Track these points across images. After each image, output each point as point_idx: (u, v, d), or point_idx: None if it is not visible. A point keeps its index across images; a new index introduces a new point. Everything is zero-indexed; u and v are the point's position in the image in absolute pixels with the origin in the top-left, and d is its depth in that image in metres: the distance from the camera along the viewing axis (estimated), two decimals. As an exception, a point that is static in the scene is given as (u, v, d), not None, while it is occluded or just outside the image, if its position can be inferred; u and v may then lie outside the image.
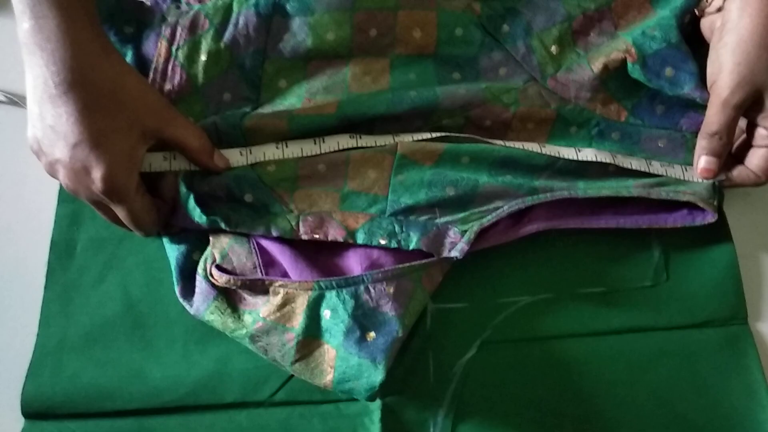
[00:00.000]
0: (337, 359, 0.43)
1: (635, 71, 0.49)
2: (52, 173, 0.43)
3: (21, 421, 0.46)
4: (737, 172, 0.49)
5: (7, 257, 0.51)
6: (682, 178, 0.50)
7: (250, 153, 0.48)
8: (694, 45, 0.50)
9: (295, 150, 0.48)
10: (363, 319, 0.43)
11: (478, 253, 0.48)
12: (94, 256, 0.51)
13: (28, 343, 0.48)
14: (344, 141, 0.49)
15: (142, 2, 0.51)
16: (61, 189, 0.52)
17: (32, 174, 0.52)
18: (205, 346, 0.48)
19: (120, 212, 0.45)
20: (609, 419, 0.47)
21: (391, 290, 0.44)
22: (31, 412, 0.46)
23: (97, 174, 0.42)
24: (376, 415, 0.46)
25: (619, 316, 0.49)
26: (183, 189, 0.46)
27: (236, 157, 0.48)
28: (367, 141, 0.49)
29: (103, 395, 0.46)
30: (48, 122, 0.42)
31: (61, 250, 0.51)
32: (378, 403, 0.46)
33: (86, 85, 0.42)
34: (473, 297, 0.49)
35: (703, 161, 0.49)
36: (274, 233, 0.46)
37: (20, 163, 0.53)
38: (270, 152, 0.48)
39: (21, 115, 0.54)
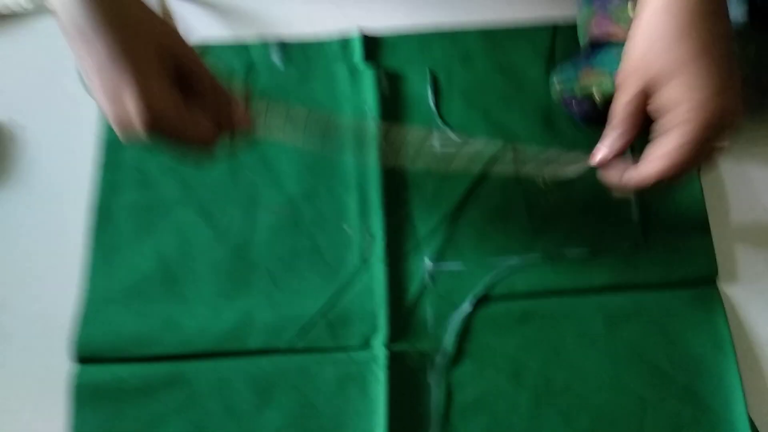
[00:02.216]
0: None
1: None
2: (102, 110, 0.41)
3: (70, 365, 0.52)
4: (637, 171, 0.45)
5: (52, 224, 0.57)
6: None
7: None
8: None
9: None
10: None
11: (473, 217, 0.54)
12: (130, 220, 0.56)
13: (72, 298, 0.54)
14: None
15: None
16: (100, 158, 0.58)
17: (73, 146, 0.59)
18: (232, 300, 0.54)
19: (171, 131, 0.41)
20: (588, 367, 0.52)
21: None
22: (82, 357, 0.52)
23: (129, 92, 0.40)
24: (383, 361, 0.51)
25: (599, 276, 0.54)
26: None
27: None
28: None
29: (143, 342, 0.52)
30: (87, 65, 0.40)
31: (101, 214, 0.56)
32: (384, 350, 0.52)
33: (109, 10, 0.39)
34: (467, 257, 0.55)
35: (597, 152, 0.47)
36: None
37: (62, 135, 0.59)
38: None
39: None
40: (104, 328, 0.53)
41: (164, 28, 0.42)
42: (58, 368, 0.52)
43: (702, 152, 0.42)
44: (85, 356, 0.52)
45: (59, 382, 0.52)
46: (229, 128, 0.45)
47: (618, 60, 0.54)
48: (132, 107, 0.40)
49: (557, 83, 0.58)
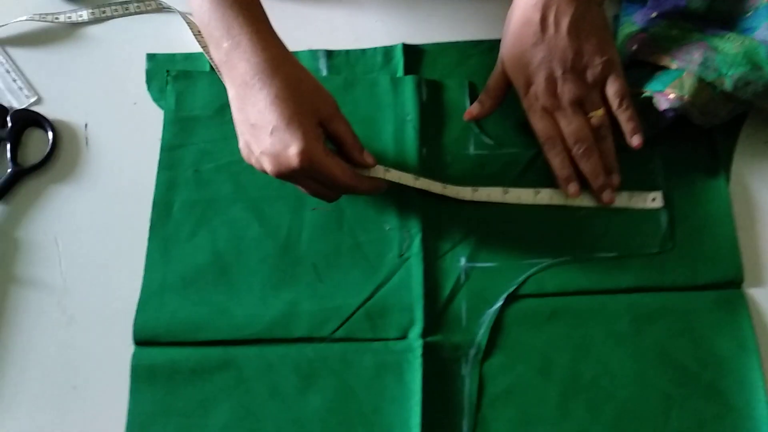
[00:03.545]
0: None
1: None
2: (261, 167, 0.51)
3: (132, 348, 0.56)
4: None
5: (117, 217, 0.61)
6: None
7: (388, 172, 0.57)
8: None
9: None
10: None
11: (508, 220, 0.58)
12: (187, 215, 0.60)
13: (136, 285, 0.58)
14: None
15: None
16: (161, 158, 0.62)
17: (138, 147, 0.63)
18: (279, 291, 0.57)
19: (322, 178, 0.51)
20: (615, 364, 0.54)
21: None
22: (141, 340, 0.56)
23: (294, 150, 0.49)
24: (418, 352, 0.54)
25: (627, 277, 0.56)
26: None
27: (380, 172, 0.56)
28: None
29: (196, 328, 0.56)
30: (251, 121, 0.50)
31: (161, 209, 0.61)
32: (420, 342, 0.55)
33: (275, 78, 0.50)
34: (502, 258, 0.58)
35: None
36: None
37: (129, 137, 0.64)
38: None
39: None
40: (161, 314, 0.57)
41: (324, 98, 0.52)
42: (120, 350, 0.56)
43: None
44: (143, 339, 0.56)
45: (121, 363, 0.56)
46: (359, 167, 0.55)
47: (660, 79, 0.57)
48: (295, 159, 0.49)
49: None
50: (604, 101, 0.56)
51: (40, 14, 0.68)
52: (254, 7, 0.52)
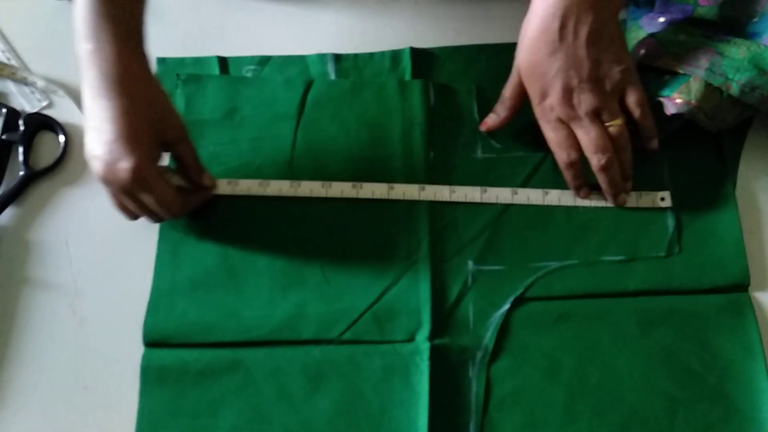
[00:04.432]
0: None
1: None
2: (92, 168, 0.53)
3: (142, 348, 0.57)
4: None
5: (128, 222, 0.61)
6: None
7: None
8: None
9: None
10: None
11: (515, 224, 0.58)
12: (196, 219, 0.61)
13: (146, 287, 0.59)
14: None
15: None
16: (171, 161, 0.63)
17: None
18: (287, 293, 0.58)
19: (146, 198, 0.54)
20: (622, 367, 0.55)
21: None
22: (150, 341, 0.57)
23: (126, 165, 0.51)
24: (426, 354, 0.55)
25: (634, 281, 0.57)
26: None
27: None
28: None
29: (205, 329, 0.57)
30: (93, 123, 0.51)
31: (170, 212, 0.62)
32: (427, 344, 0.55)
33: (127, 93, 0.52)
34: (509, 261, 0.58)
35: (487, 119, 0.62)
36: None
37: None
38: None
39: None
40: (170, 316, 0.58)
41: (173, 123, 0.55)
42: (130, 351, 0.57)
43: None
44: (153, 341, 0.57)
45: (131, 364, 0.56)
46: (197, 190, 0.59)
47: (669, 84, 0.57)
48: (124, 174, 0.52)
49: None
50: (623, 110, 0.56)
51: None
52: (131, 20, 0.53)
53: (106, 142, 0.51)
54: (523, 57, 0.56)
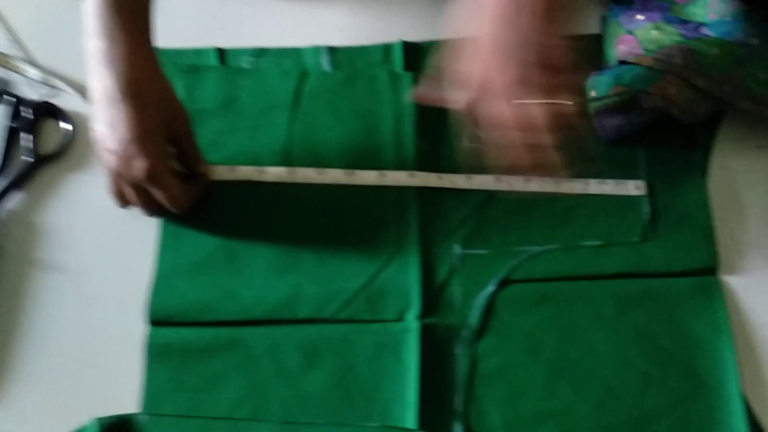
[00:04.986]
0: None
1: None
2: (104, 160, 0.55)
3: (145, 328, 0.59)
4: None
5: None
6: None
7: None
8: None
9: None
10: None
11: (500, 210, 0.61)
12: (196, 204, 0.63)
13: (147, 269, 0.61)
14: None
15: None
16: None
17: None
18: (283, 274, 0.60)
19: (157, 194, 0.57)
20: (599, 345, 0.58)
21: None
22: (154, 320, 0.59)
23: (142, 164, 0.54)
24: (415, 333, 0.58)
25: (611, 264, 0.60)
26: None
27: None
28: None
29: (206, 309, 0.59)
30: (108, 120, 0.53)
31: (172, 197, 0.64)
32: (416, 323, 0.58)
33: (142, 95, 0.54)
34: (494, 246, 0.61)
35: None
36: None
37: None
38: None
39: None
40: (173, 296, 0.60)
41: (182, 118, 0.58)
42: (134, 330, 0.59)
43: None
44: (157, 320, 0.59)
45: (134, 342, 0.59)
46: (198, 180, 0.61)
47: (646, 79, 0.60)
48: (139, 172, 0.55)
49: (592, 92, 0.62)
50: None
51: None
52: (143, 18, 0.55)
53: (121, 140, 0.54)
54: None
